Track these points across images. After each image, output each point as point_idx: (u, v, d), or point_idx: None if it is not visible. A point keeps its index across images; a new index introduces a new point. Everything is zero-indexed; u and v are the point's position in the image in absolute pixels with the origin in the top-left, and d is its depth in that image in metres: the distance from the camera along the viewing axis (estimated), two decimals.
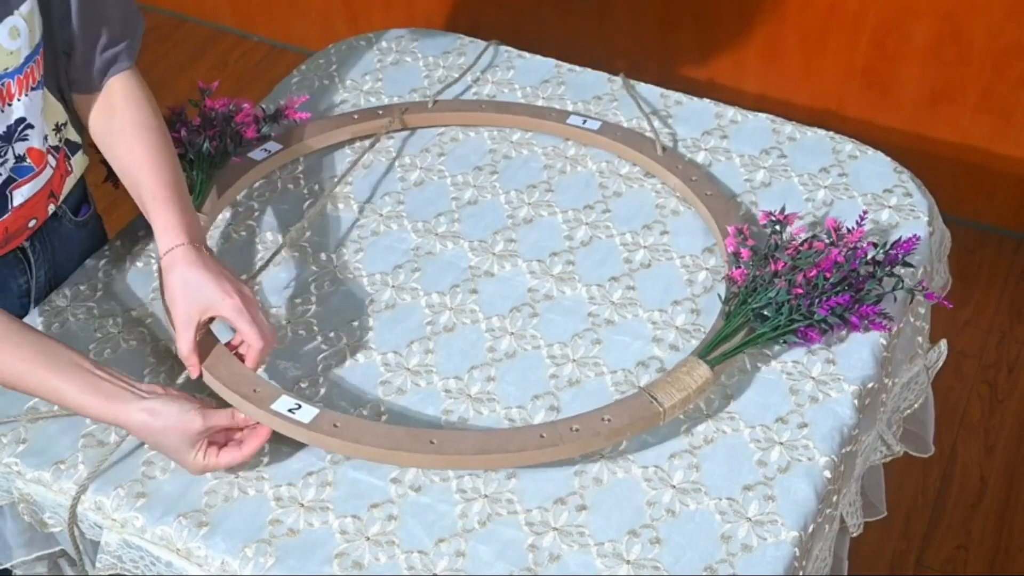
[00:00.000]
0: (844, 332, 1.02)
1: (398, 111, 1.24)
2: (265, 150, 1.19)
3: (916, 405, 1.18)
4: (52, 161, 1.02)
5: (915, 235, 1.04)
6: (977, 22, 1.77)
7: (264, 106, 1.28)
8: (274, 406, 0.90)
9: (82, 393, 0.89)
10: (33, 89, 0.96)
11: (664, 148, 1.19)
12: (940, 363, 1.19)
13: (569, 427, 0.90)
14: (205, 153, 1.13)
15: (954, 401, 1.76)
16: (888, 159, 1.22)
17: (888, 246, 1.03)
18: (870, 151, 1.23)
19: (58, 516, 0.96)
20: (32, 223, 1.03)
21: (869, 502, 1.22)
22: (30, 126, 0.97)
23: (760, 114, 1.27)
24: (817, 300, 0.98)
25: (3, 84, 0.93)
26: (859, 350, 1.02)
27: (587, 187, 1.20)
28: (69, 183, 1.08)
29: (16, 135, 0.97)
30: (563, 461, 0.94)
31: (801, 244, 1.03)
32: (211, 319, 0.96)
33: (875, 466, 1.18)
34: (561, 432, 0.89)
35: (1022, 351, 1.83)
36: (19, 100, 0.95)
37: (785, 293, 0.98)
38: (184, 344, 0.95)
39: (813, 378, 1.00)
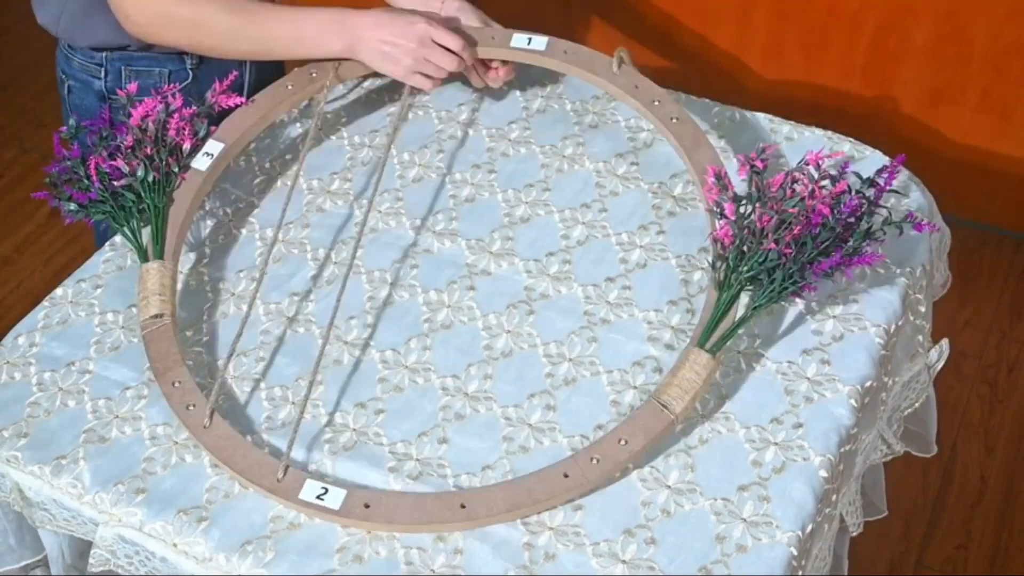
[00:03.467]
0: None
1: (331, 67, 1.18)
2: (207, 154, 1.11)
3: (917, 404, 1.18)
4: None
5: (897, 157, 1.01)
6: (977, 22, 1.77)
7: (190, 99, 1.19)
8: (301, 495, 0.89)
9: (319, 18, 1.11)
10: None
11: (621, 63, 1.12)
12: (942, 362, 1.18)
13: (590, 458, 0.90)
14: (148, 184, 1.06)
15: (954, 401, 1.76)
16: (886, 158, 1.22)
17: (871, 179, 1.00)
18: (868, 150, 1.22)
19: (50, 513, 0.96)
20: None
21: (869, 501, 1.22)
22: None
23: (758, 114, 1.27)
24: (808, 265, 0.95)
25: None
26: (854, 351, 1.02)
27: (584, 186, 1.20)
28: None
29: None
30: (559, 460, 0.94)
31: (783, 185, 0.98)
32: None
33: (875, 465, 1.18)
34: (583, 467, 0.89)
35: (1022, 351, 1.83)
36: None
37: (776, 256, 0.94)
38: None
39: (808, 378, 1.00)
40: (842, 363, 1.01)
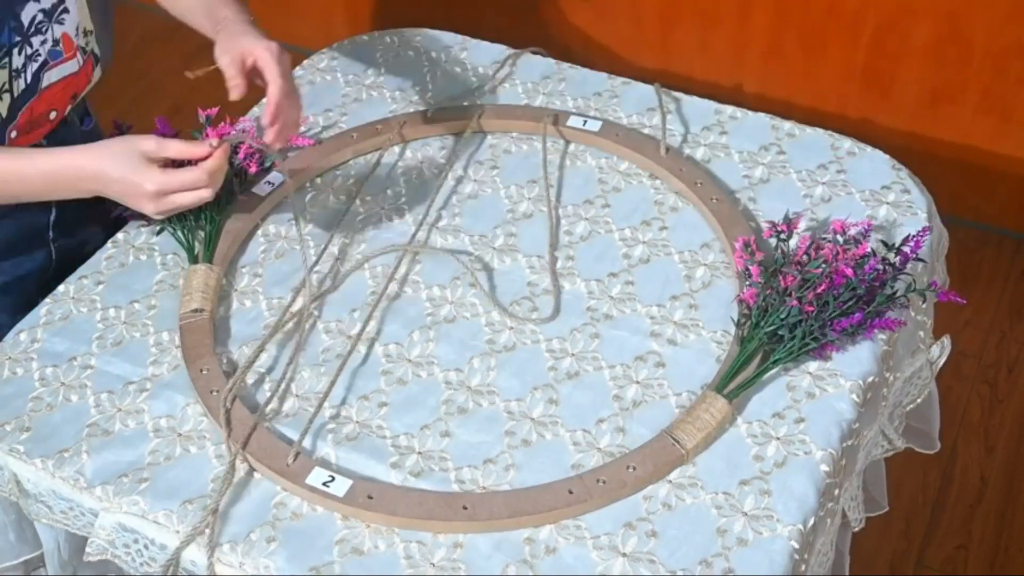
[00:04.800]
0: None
1: (396, 124, 1.24)
2: (269, 183, 1.18)
3: (919, 400, 1.18)
4: (80, 59, 1.06)
5: (924, 227, 1.04)
6: (977, 22, 1.77)
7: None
8: (308, 480, 0.91)
9: (29, 155, 0.92)
10: None
11: (668, 149, 1.20)
12: (944, 359, 1.18)
13: (596, 479, 0.91)
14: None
15: (954, 401, 1.76)
16: (886, 156, 1.22)
17: (898, 245, 1.03)
18: (868, 149, 1.23)
19: (46, 505, 0.96)
20: (52, 115, 1.05)
21: (871, 497, 1.22)
22: (66, 10, 1.01)
23: (758, 113, 1.28)
24: (828, 322, 0.98)
25: None
26: (856, 346, 1.02)
27: (587, 183, 1.20)
28: (86, 90, 1.10)
29: (56, 14, 1.00)
30: (560, 454, 0.94)
31: (808, 249, 1.03)
32: (251, 67, 1.02)
33: (876, 461, 1.18)
34: (588, 486, 0.91)
35: (1022, 351, 1.83)
36: None
37: (797, 312, 0.98)
38: (229, 74, 1.01)
39: (810, 374, 1.00)
40: (843, 358, 1.01)
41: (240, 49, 1.02)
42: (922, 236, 1.03)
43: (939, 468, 1.66)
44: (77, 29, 1.05)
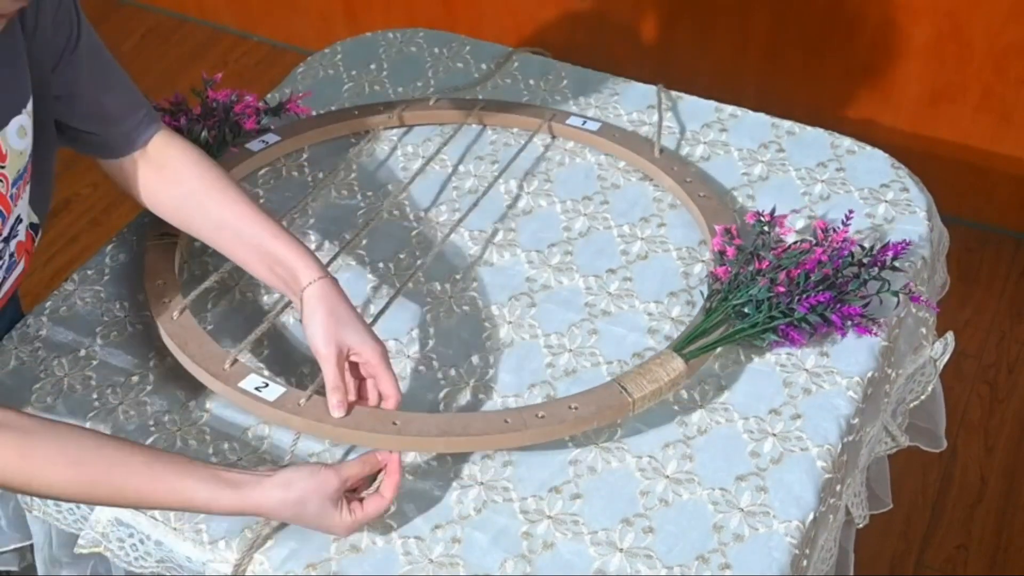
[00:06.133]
0: (827, 333, 1.01)
1: (398, 107, 1.25)
2: (263, 141, 1.20)
3: (923, 397, 1.18)
4: (30, 248, 0.98)
5: (906, 240, 1.03)
6: (977, 22, 1.78)
7: (267, 99, 1.29)
8: (242, 384, 0.92)
9: (210, 488, 0.82)
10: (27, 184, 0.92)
11: (662, 150, 1.20)
12: (947, 356, 1.17)
13: (535, 414, 0.90)
14: (203, 141, 1.14)
15: (954, 401, 1.76)
16: (886, 155, 1.23)
17: (876, 248, 1.03)
18: (868, 147, 1.23)
19: (40, 500, 0.96)
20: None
21: (874, 494, 1.22)
22: (20, 220, 0.93)
23: (758, 113, 1.28)
24: (797, 298, 0.97)
25: (16, 189, 0.89)
26: (854, 342, 1.02)
27: (586, 179, 1.20)
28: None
29: (11, 233, 0.92)
30: (558, 449, 0.94)
31: (789, 245, 1.03)
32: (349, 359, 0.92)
33: (880, 458, 1.18)
34: (526, 418, 0.89)
35: (1022, 351, 1.83)
36: (22, 200, 0.92)
37: (766, 291, 0.97)
38: (332, 377, 0.90)
39: (807, 370, 1.00)
40: (841, 355, 1.01)
41: (346, 345, 0.91)
42: (903, 247, 1.02)
43: (939, 468, 1.66)
44: (26, 229, 0.95)
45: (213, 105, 1.18)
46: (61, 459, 0.80)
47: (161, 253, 1.06)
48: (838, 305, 0.99)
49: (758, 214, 1.06)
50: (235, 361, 0.94)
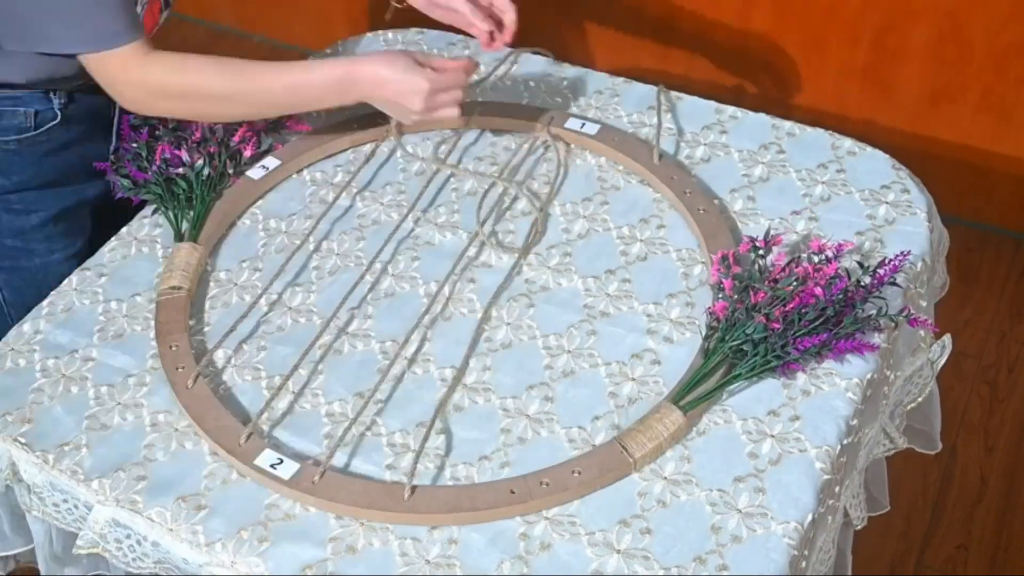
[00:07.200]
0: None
1: (395, 123, 1.24)
2: (263, 167, 1.19)
3: (920, 399, 1.18)
4: None
5: (903, 253, 1.02)
6: (977, 22, 1.77)
7: None
8: (257, 461, 0.92)
9: (321, 62, 1.06)
10: None
11: (661, 156, 1.19)
12: (944, 358, 1.18)
13: (539, 481, 0.91)
14: (204, 175, 1.14)
15: (954, 401, 1.76)
16: (886, 156, 1.22)
17: (873, 268, 1.01)
18: (868, 148, 1.23)
19: (40, 497, 0.97)
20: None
21: (872, 496, 1.22)
22: None
23: (758, 113, 1.28)
24: (792, 340, 0.96)
25: None
26: None
27: (585, 180, 1.20)
28: (154, 30, 1.15)
29: None
30: (557, 450, 0.94)
31: (783, 268, 1.01)
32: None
33: (878, 460, 1.18)
34: (531, 487, 0.90)
35: (1022, 351, 1.83)
36: None
37: (762, 329, 0.96)
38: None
39: (805, 372, 1.00)
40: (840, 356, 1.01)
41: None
42: (900, 260, 1.01)
43: (939, 468, 1.66)
44: None
45: (213, 129, 1.17)
46: (212, 63, 1.06)
47: (171, 308, 1.05)
48: (834, 341, 0.98)
49: (752, 240, 1.04)
50: (250, 436, 0.94)
